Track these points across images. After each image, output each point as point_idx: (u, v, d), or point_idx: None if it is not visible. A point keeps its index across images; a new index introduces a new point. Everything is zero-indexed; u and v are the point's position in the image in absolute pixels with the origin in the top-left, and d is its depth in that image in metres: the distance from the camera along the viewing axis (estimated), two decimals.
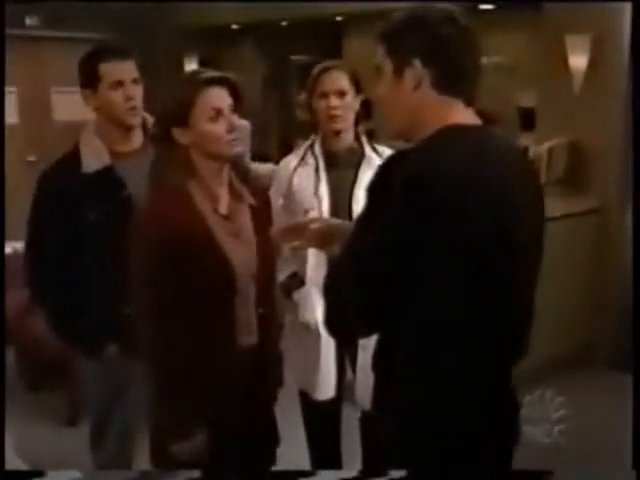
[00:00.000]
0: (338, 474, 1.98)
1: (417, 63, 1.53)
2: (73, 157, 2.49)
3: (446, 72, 1.54)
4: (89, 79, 2.45)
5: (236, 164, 2.17)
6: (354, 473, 1.76)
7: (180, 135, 2.02)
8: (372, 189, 1.51)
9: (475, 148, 1.52)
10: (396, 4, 1.60)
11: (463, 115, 1.57)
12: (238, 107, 2.08)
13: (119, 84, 2.43)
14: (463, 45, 1.55)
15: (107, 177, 2.46)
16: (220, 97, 2.03)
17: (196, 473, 1.81)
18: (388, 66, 1.58)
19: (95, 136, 2.51)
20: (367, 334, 1.72)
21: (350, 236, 1.55)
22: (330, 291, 1.58)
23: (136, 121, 2.50)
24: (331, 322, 1.61)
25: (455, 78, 1.55)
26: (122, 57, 2.47)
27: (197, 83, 2.02)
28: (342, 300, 1.55)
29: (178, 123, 2.01)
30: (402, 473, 1.55)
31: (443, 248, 1.44)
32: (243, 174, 2.21)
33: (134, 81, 2.47)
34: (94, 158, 2.47)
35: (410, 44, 1.54)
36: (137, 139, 2.54)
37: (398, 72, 1.56)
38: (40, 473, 1.75)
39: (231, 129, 2.03)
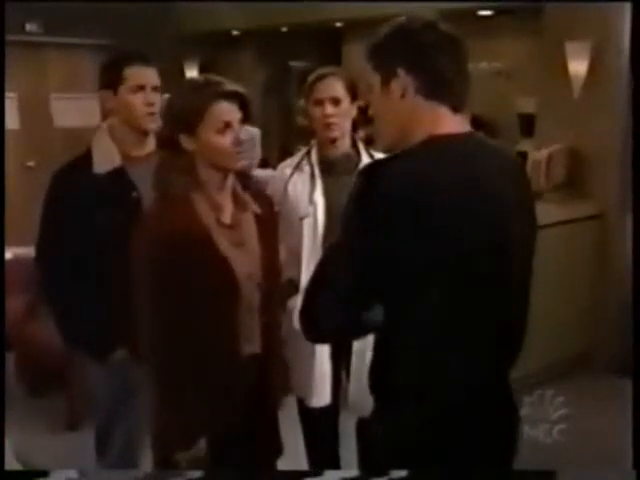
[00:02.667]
0: (340, 474, 1.99)
1: (401, 72, 1.56)
2: (85, 159, 2.51)
3: (429, 78, 1.56)
4: (111, 81, 2.48)
5: (240, 173, 2.17)
6: (356, 473, 1.77)
7: (186, 142, 2.03)
8: (354, 198, 1.52)
9: (460, 157, 1.53)
10: (395, 6, 1.61)
11: (451, 122, 1.58)
12: (246, 120, 2.09)
13: (141, 88, 2.47)
14: (445, 51, 1.57)
15: (118, 179, 2.48)
16: (230, 111, 2.04)
17: (198, 474, 1.81)
18: (377, 80, 1.61)
19: (108, 139, 2.53)
20: (340, 338, 1.73)
21: (334, 243, 1.57)
22: (311, 292, 1.60)
23: (153, 126, 2.52)
24: (305, 318, 1.62)
25: (439, 83, 1.57)
26: (146, 63, 2.51)
27: (210, 94, 2.02)
28: (320, 303, 1.57)
29: (186, 130, 2.02)
30: (402, 473, 1.55)
31: (428, 256, 1.45)
32: (247, 182, 2.20)
33: (155, 88, 2.51)
34: (106, 159, 2.49)
35: (393, 54, 1.58)
36: (151, 144, 2.55)
37: (385, 84, 1.59)
38: (40, 473, 1.76)
39: (237, 142, 2.04)
